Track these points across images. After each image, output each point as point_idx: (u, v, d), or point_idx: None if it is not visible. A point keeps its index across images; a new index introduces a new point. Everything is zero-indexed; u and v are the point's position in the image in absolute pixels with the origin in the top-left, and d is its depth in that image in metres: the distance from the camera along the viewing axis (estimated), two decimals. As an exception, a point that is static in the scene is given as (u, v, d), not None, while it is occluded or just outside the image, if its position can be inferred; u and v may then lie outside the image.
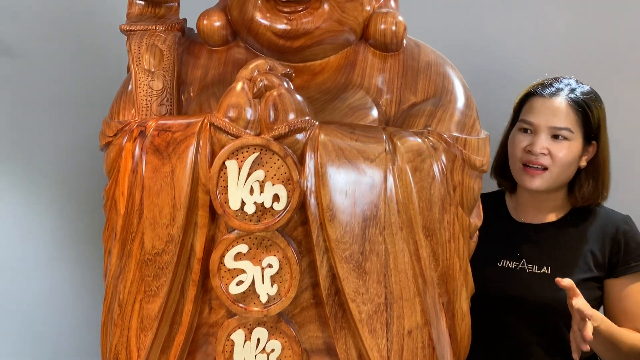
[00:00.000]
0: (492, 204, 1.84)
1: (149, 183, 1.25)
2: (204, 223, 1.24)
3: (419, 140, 1.29)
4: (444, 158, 1.30)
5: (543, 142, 1.70)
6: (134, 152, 1.28)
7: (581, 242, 1.75)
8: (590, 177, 1.76)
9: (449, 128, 1.34)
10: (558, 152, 1.70)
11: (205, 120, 1.24)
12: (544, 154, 1.70)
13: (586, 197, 1.76)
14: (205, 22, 1.41)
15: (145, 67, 1.38)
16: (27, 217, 2.04)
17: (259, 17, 1.35)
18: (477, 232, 1.40)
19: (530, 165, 1.72)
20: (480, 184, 1.38)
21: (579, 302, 1.51)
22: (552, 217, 1.79)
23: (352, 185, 1.22)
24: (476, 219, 1.38)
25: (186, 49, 1.45)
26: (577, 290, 1.52)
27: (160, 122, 1.29)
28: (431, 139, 1.30)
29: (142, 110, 1.37)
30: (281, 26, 1.34)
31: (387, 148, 1.25)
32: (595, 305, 1.72)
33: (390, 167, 1.24)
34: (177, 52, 1.41)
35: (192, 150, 1.23)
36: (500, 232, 1.79)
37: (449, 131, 1.33)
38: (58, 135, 2.02)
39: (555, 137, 1.71)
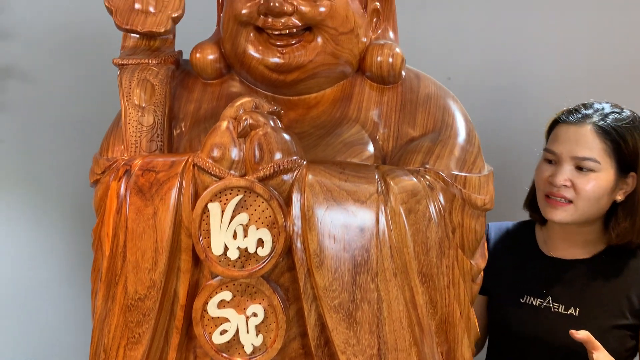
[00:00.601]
0: (521, 234, 1.73)
1: (132, 225, 1.20)
2: (187, 268, 1.19)
3: (414, 179, 1.21)
4: (441, 198, 1.23)
5: (566, 173, 1.57)
6: (119, 192, 1.23)
7: (616, 284, 1.60)
8: (627, 213, 1.59)
9: (447, 165, 1.26)
10: (584, 186, 1.55)
11: (189, 160, 1.19)
12: (566, 185, 1.57)
13: (622, 235, 1.60)
14: (198, 55, 1.37)
15: (136, 102, 1.33)
16: (38, 241, 2.04)
17: (251, 51, 1.30)
18: (482, 273, 1.32)
19: (553, 196, 1.59)
20: (484, 223, 1.30)
21: (600, 357, 1.41)
22: (584, 254, 1.64)
23: (341, 228, 1.15)
24: (480, 260, 1.30)
25: (180, 82, 1.40)
26: (597, 343, 1.41)
27: (146, 160, 1.24)
28: (428, 177, 1.23)
29: (132, 147, 1.32)
30: (274, 60, 1.29)
31: (379, 188, 1.18)
32: (628, 356, 1.59)
33: (383, 209, 1.17)
34: (170, 86, 1.37)
35: (174, 191, 1.18)
36: (526, 265, 1.67)
37: (448, 169, 1.26)
38: (69, 161, 2.00)
39: (579, 168, 1.57)
